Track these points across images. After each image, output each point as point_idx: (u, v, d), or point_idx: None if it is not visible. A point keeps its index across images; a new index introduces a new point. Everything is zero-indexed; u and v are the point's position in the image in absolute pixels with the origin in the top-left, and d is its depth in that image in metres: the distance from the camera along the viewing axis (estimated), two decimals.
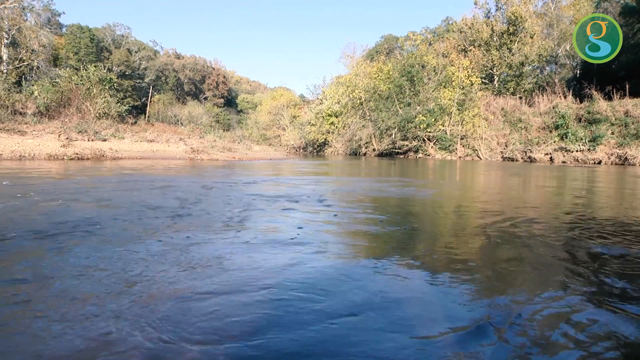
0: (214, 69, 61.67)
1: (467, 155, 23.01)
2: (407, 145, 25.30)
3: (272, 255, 2.12)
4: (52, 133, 15.09)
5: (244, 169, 10.19)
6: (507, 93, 27.14)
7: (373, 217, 3.38)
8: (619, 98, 19.39)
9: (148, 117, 38.29)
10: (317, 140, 35.53)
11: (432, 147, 24.62)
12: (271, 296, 1.55)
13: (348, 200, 4.63)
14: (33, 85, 21.87)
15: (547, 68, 29.89)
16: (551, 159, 19.33)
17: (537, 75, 29.63)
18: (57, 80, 21.46)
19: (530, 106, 23.49)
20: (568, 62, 28.07)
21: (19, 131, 14.54)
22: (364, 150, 28.80)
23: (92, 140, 15.63)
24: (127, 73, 45.16)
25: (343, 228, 2.96)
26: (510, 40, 27.91)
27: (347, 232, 2.83)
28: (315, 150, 36.27)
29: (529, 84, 28.35)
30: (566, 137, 19.44)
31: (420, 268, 1.94)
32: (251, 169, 10.36)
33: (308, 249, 2.25)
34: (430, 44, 34.75)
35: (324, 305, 1.47)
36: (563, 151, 19.18)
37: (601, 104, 19.47)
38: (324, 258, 2.10)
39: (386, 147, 26.73)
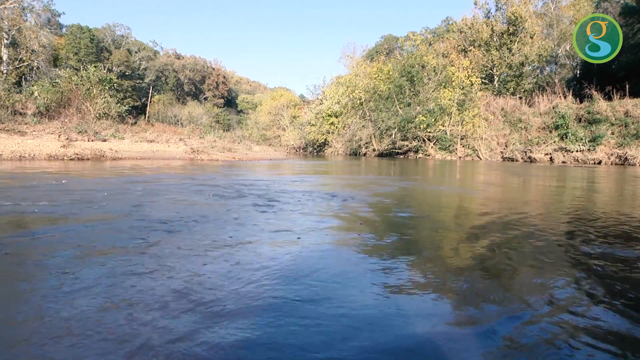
0: (214, 69, 61.69)
1: (467, 156, 23.00)
2: (407, 146, 25.29)
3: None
4: (52, 133, 15.09)
5: (261, 169, 10.20)
6: (507, 93, 27.13)
7: (418, 214, 3.40)
8: (619, 98, 19.38)
9: (148, 117, 38.29)
10: (317, 141, 35.52)
11: (432, 147, 24.61)
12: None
13: (395, 197, 4.72)
14: (33, 86, 21.86)
15: (547, 68, 29.89)
16: (551, 159, 19.33)
17: (537, 75, 29.63)
18: (57, 80, 21.45)
19: (530, 106, 23.48)
20: (568, 62, 28.06)
21: (19, 131, 14.53)
22: (364, 150, 28.79)
23: (92, 140, 15.63)
24: (127, 73, 45.17)
25: (409, 223, 2.98)
26: (510, 41, 27.91)
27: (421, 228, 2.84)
28: (315, 151, 36.27)
29: (529, 84, 28.34)
30: (566, 137, 19.43)
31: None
32: (266, 169, 10.36)
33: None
34: (430, 44, 34.74)
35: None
36: (563, 151, 19.18)
37: (601, 104, 19.47)
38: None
39: (386, 147, 26.72)
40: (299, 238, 2.50)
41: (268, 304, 1.48)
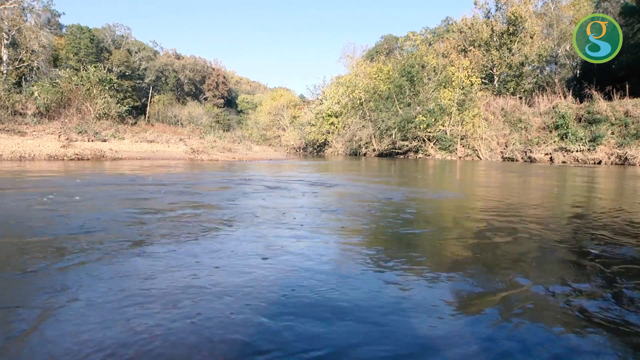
0: (213, 69, 61.69)
1: (467, 156, 23.00)
2: (407, 146, 25.30)
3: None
4: (52, 134, 15.10)
5: (274, 169, 10.20)
6: (507, 93, 27.14)
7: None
8: (619, 98, 19.38)
9: (148, 117, 38.34)
10: (317, 141, 35.53)
11: (432, 147, 24.61)
12: None
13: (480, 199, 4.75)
14: (33, 86, 21.89)
15: (547, 68, 29.90)
16: (551, 159, 19.34)
17: (537, 75, 29.63)
18: (57, 80, 21.47)
19: (530, 106, 23.49)
20: (568, 62, 28.07)
21: (19, 132, 14.54)
22: (364, 150, 28.79)
23: (92, 140, 15.64)
24: (127, 73, 45.19)
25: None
26: (510, 41, 27.92)
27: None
28: (315, 151, 36.27)
29: (529, 84, 28.35)
30: (566, 137, 19.44)
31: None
32: (280, 169, 10.36)
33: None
34: (430, 44, 34.76)
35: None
36: (563, 151, 19.18)
37: (601, 104, 19.47)
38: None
39: (386, 147, 26.72)
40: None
41: None
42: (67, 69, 24.41)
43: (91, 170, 8.47)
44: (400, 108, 26.29)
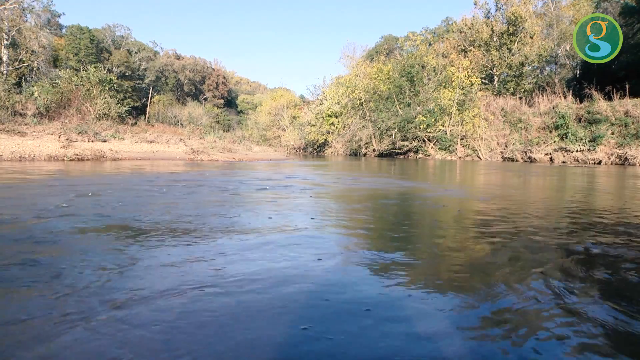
0: (213, 69, 61.68)
1: (467, 156, 23.00)
2: (407, 146, 25.30)
3: None
4: (52, 134, 15.08)
5: (280, 169, 10.19)
6: (507, 93, 27.15)
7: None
8: (619, 98, 19.39)
9: (148, 117, 38.36)
10: (317, 141, 35.54)
11: (432, 147, 24.62)
12: None
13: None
14: (33, 86, 21.87)
15: (547, 68, 29.92)
16: (551, 159, 19.34)
17: (537, 75, 29.65)
18: (57, 81, 21.46)
19: (530, 106, 23.49)
20: (568, 62, 28.08)
21: (19, 132, 14.52)
22: (364, 150, 28.80)
23: (92, 141, 15.62)
24: (127, 74, 45.19)
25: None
26: (510, 41, 27.93)
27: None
28: (315, 151, 36.26)
29: (528, 84, 28.37)
30: (566, 137, 19.44)
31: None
32: (284, 168, 10.35)
33: None
34: (430, 45, 34.78)
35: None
36: (563, 151, 19.19)
37: (601, 104, 19.48)
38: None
39: (386, 147, 26.73)
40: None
41: None
42: (67, 70, 24.39)
43: (130, 170, 8.52)
44: (400, 108, 26.29)
